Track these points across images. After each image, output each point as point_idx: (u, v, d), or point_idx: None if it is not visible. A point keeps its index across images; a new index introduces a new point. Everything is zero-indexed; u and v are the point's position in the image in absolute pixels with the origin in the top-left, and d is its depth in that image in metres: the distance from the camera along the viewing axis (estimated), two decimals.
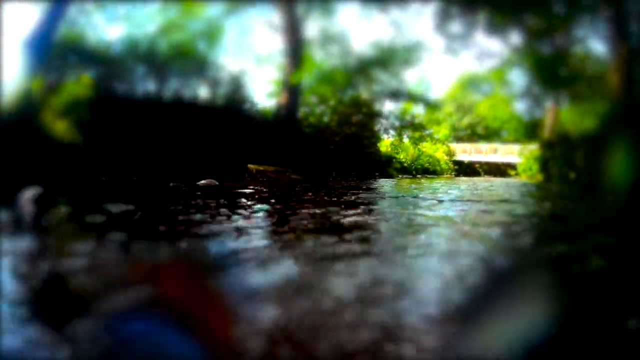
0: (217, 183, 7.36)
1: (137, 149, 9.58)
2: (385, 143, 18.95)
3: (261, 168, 10.56)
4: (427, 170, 20.72)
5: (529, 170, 17.52)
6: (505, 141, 21.94)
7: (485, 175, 22.68)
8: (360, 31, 15.25)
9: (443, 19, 14.16)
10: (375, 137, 17.88)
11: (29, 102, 9.14)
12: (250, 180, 9.95)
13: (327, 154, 14.26)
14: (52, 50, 10.33)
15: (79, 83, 10.38)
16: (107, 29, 11.39)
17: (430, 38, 17.56)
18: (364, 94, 15.80)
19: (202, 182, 7.29)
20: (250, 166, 10.50)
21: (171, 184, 6.78)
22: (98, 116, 9.73)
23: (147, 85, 11.46)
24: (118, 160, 9.28)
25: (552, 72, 13.17)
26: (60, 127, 9.38)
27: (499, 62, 14.76)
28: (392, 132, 19.22)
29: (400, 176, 17.42)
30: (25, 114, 9.00)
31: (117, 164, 9.19)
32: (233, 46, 13.34)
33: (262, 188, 7.15)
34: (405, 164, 19.84)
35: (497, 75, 17.74)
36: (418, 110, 19.97)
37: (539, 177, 15.54)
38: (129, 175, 8.80)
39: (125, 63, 11.30)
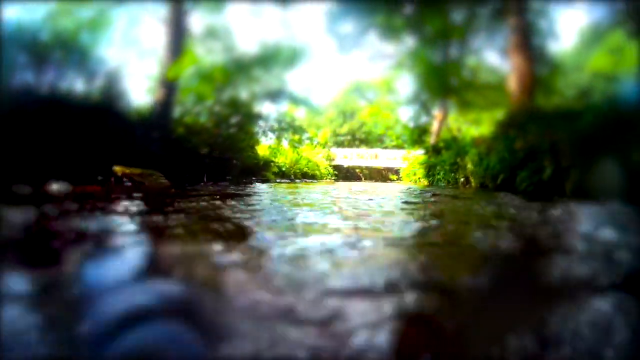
0: (71, 187, 6.39)
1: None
2: (264, 146, 18.38)
3: (127, 171, 9.56)
4: (306, 175, 20.36)
5: (412, 175, 17.67)
6: (387, 147, 22.06)
7: (366, 180, 22.66)
8: (248, 29, 14.58)
9: (335, 19, 13.85)
10: (253, 140, 17.23)
11: None
12: (115, 184, 8.99)
13: (200, 157, 13.47)
14: None
15: None
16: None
17: (321, 40, 17.23)
18: (244, 94, 15.09)
19: (54, 186, 6.30)
20: (116, 168, 9.49)
21: (16, 190, 5.77)
22: None
23: (25, 76, 10.27)
24: None
25: (442, 80, 13.18)
26: None
27: (392, 63, 14.61)
28: (270, 134, 18.64)
29: (277, 180, 16.80)
30: None
31: None
32: (119, 38, 12.49)
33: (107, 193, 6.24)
34: (284, 168, 19.40)
35: (384, 83, 17.76)
36: (299, 113, 19.51)
37: (425, 182, 15.64)
38: None
39: (7, 50, 10.05)
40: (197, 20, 13.32)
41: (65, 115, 9.41)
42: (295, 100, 16.82)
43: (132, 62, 12.91)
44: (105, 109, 11.05)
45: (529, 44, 11.55)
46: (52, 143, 8.63)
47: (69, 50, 11.07)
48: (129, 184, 9.30)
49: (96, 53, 11.65)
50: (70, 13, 11.43)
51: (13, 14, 10.25)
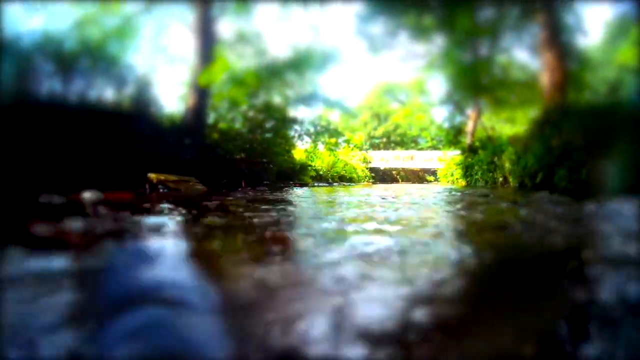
0: (102, 195, 6.36)
1: (27, 155, 8.43)
2: (300, 150, 18.32)
3: (162, 177, 9.52)
4: (343, 178, 20.22)
5: (449, 175, 17.45)
6: (422, 148, 21.86)
7: (402, 182, 22.46)
8: (277, 34, 14.54)
9: (365, 20, 13.74)
10: (289, 144, 17.17)
11: None
12: (150, 192, 8.96)
13: (236, 162, 13.43)
14: None
15: None
16: (26, 22, 10.37)
17: (350, 43, 17.17)
18: (277, 98, 15.04)
19: (87, 194, 6.29)
20: (151, 175, 9.45)
21: (46, 200, 5.75)
22: None
23: (52, 84, 10.36)
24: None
25: (473, 79, 12.99)
26: None
27: (423, 64, 14.43)
28: (306, 138, 18.59)
29: (315, 184, 16.68)
30: None
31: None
32: (147, 46, 12.68)
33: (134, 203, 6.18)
34: (321, 172, 19.27)
35: (416, 85, 17.62)
36: (333, 117, 19.42)
37: (463, 182, 15.42)
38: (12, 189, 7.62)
39: (33, 59, 10.14)
40: (227, 26, 13.30)
41: (95, 122, 9.43)
42: (329, 103, 16.75)
43: (162, 69, 13.00)
44: (136, 116, 11.08)
45: (558, 40, 11.39)
46: (82, 150, 8.65)
47: (97, 58, 11.15)
48: (165, 190, 9.26)
49: (125, 61, 11.73)
50: (96, 22, 11.54)
51: (38, 23, 10.45)
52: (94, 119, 9.59)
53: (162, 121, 12.18)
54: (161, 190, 9.21)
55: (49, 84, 10.05)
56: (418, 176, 22.82)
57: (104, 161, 8.95)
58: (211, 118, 13.86)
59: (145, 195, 7.84)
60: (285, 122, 16.03)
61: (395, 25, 13.62)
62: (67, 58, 10.51)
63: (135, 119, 10.90)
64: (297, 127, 17.69)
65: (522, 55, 12.51)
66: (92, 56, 11.04)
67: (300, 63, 14.07)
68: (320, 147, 19.79)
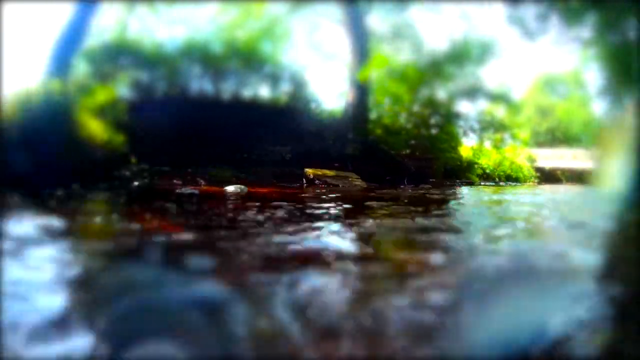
0: (246, 190, 5.77)
1: (178, 150, 8.23)
2: (466, 147, 17.17)
3: (319, 173, 8.90)
4: (509, 177, 18.86)
5: (609, 177, 15.56)
6: (586, 146, 19.98)
7: (567, 183, 20.74)
8: (429, 25, 13.59)
9: (514, 4, 12.43)
10: (455, 140, 16.06)
11: (51, 103, 7.90)
12: (306, 186, 8.32)
13: (401, 158, 12.57)
14: (96, 53, 9.80)
15: (115, 84, 9.74)
16: (165, 32, 10.81)
17: (504, 32, 15.85)
18: (440, 93, 14.00)
19: (230, 188, 5.73)
20: (308, 170, 8.86)
21: (181, 190, 5.24)
22: (141, 116, 8.72)
23: (203, 85, 10.83)
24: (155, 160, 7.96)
25: (626, 65, 11.35)
26: (95, 128, 8.17)
27: (577, 48, 12.90)
28: (471, 134, 17.35)
29: (482, 183, 15.60)
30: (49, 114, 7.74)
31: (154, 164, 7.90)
32: (300, 44, 12.35)
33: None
34: (488, 170, 18.02)
35: (573, 76, 16.03)
36: (498, 111, 18.07)
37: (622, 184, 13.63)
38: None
39: (179, 63, 10.57)
40: (381, 21, 12.63)
41: (248, 116, 9.09)
42: (493, 97, 15.48)
43: (320, 67, 12.64)
44: (293, 111, 10.71)
45: None
46: (233, 142, 8.29)
47: (247, 59, 11.20)
48: (322, 185, 8.61)
49: (279, 60, 11.71)
50: (242, 26, 11.48)
51: (179, 32, 10.82)
52: (247, 113, 9.27)
53: (321, 117, 11.68)
54: (319, 185, 8.55)
55: (199, 83, 10.52)
56: (581, 177, 20.91)
57: (259, 155, 8.50)
58: (374, 114, 13.11)
59: (301, 189, 7.27)
60: (450, 117, 14.97)
61: (545, 8, 12.22)
62: (214, 61, 10.75)
63: (292, 114, 10.49)
64: (462, 122, 16.54)
65: None
66: (241, 57, 11.13)
67: (458, 55, 13.01)
68: (486, 144, 18.52)
